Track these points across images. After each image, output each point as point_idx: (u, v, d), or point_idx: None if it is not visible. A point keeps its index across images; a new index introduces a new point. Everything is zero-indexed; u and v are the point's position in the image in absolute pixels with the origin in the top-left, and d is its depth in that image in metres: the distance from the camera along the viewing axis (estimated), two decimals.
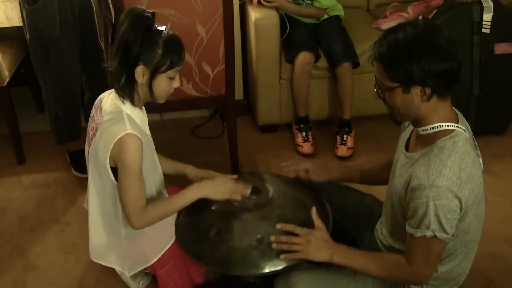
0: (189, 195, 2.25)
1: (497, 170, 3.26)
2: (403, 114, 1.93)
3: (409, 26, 1.83)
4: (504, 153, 3.50)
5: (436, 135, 1.90)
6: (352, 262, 2.05)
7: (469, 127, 2.01)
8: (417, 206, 1.85)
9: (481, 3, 3.29)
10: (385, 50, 1.84)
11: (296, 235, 2.11)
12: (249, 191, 2.32)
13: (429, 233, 1.84)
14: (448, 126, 1.89)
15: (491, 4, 3.28)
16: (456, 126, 1.90)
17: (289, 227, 2.15)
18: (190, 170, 2.51)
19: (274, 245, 2.13)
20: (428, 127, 1.91)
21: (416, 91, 1.84)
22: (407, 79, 1.82)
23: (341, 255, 2.06)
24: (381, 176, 2.35)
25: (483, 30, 3.32)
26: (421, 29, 1.83)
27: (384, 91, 1.91)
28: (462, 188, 1.82)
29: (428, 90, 1.83)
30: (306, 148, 3.54)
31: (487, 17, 3.28)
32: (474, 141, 2.01)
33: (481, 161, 2.01)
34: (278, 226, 2.17)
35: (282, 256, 2.10)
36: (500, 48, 3.37)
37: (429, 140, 1.92)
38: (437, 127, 1.90)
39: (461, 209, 1.85)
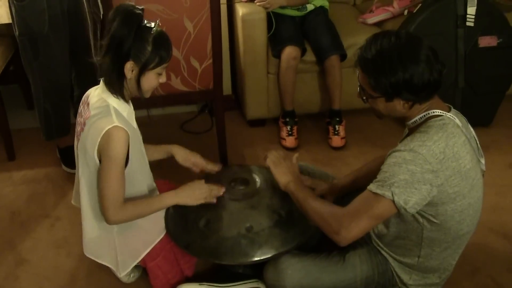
0: (167, 201, 2.31)
1: None
2: (385, 115, 2.00)
3: (394, 36, 1.87)
4: (490, 144, 3.54)
5: (427, 120, 1.94)
6: (300, 194, 2.11)
7: (471, 130, 2.04)
8: (389, 164, 1.86)
9: None
10: (369, 63, 1.88)
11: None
12: (222, 193, 2.37)
13: (388, 194, 1.84)
14: (434, 112, 1.93)
15: None
16: (444, 113, 1.93)
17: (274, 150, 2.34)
18: (176, 150, 2.57)
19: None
20: (417, 118, 1.95)
21: (399, 101, 1.90)
22: (391, 92, 1.87)
23: (297, 186, 2.15)
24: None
25: (467, 24, 3.36)
26: (403, 42, 1.86)
27: (367, 97, 1.96)
28: (443, 164, 1.83)
29: (410, 102, 1.89)
30: (289, 142, 3.57)
31: (471, 10, 3.32)
32: (477, 144, 2.04)
33: (483, 162, 2.04)
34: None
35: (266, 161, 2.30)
36: (484, 41, 3.41)
37: (420, 126, 1.95)
38: (424, 115, 1.94)
39: (435, 186, 1.85)
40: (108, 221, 2.19)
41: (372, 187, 1.90)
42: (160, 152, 2.56)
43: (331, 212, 1.98)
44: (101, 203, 2.18)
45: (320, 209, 2.02)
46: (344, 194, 2.46)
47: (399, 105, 1.91)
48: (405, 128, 2.17)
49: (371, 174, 2.35)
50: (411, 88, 1.84)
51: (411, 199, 1.84)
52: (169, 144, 2.58)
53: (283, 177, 2.22)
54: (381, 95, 1.90)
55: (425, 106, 1.93)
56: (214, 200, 2.35)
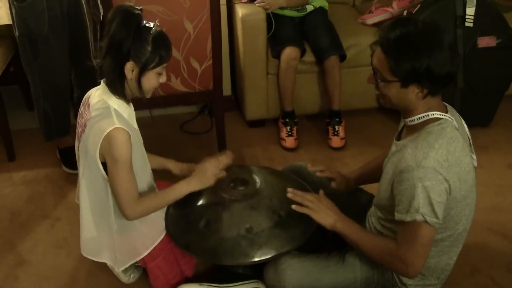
0: (180, 190, 2.32)
1: (482, 161, 3.27)
2: (394, 103, 1.97)
3: (420, 22, 1.86)
4: (489, 144, 3.55)
5: (425, 123, 1.93)
6: (351, 233, 2.09)
7: (465, 126, 2.04)
8: (406, 189, 1.86)
9: None
10: (393, 45, 1.85)
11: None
12: (229, 160, 2.43)
13: (419, 217, 1.84)
14: (434, 114, 1.92)
15: None
16: (444, 115, 1.93)
17: (300, 194, 2.22)
18: (171, 164, 2.58)
19: (289, 195, 2.21)
20: (415, 117, 1.95)
21: (413, 89, 1.88)
22: (410, 77, 1.85)
23: (344, 224, 2.12)
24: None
25: (466, 24, 3.36)
26: (430, 28, 1.85)
27: (381, 81, 1.94)
28: (450, 171, 1.84)
29: (425, 90, 1.87)
30: (289, 142, 3.57)
31: (470, 11, 3.32)
32: (469, 141, 2.04)
33: (474, 157, 2.04)
34: (289, 195, 2.22)
35: (293, 207, 2.17)
36: (483, 42, 3.42)
37: (418, 128, 1.95)
38: (424, 116, 1.93)
39: (449, 193, 1.87)
40: (127, 218, 2.22)
41: (402, 217, 1.89)
42: (156, 163, 2.56)
43: (387, 252, 1.99)
44: (117, 202, 2.20)
45: (375, 250, 2.04)
46: (353, 190, 2.52)
47: (412, 93, 1.89)
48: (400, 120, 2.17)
49: (377, 170, 2.37)
50: (432, 76, 1.82)
51: (438, 212, 1.86)
52: (166, 159, 2.60)
53: (328, 219, 2.14)
54: (398, 79, 1.88)
55: (430, 102, 1.93)
56: (224, 173, 2.39)
